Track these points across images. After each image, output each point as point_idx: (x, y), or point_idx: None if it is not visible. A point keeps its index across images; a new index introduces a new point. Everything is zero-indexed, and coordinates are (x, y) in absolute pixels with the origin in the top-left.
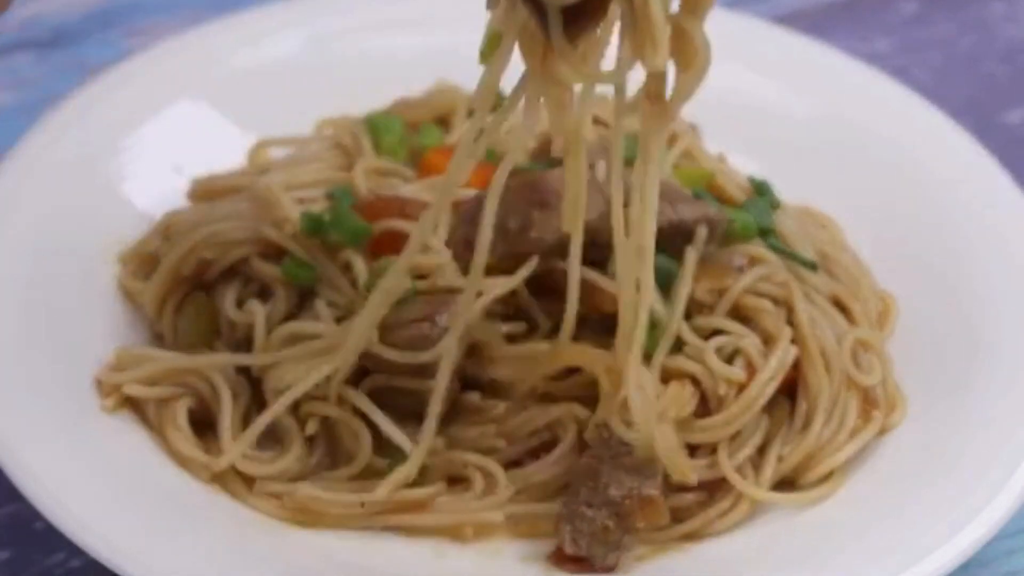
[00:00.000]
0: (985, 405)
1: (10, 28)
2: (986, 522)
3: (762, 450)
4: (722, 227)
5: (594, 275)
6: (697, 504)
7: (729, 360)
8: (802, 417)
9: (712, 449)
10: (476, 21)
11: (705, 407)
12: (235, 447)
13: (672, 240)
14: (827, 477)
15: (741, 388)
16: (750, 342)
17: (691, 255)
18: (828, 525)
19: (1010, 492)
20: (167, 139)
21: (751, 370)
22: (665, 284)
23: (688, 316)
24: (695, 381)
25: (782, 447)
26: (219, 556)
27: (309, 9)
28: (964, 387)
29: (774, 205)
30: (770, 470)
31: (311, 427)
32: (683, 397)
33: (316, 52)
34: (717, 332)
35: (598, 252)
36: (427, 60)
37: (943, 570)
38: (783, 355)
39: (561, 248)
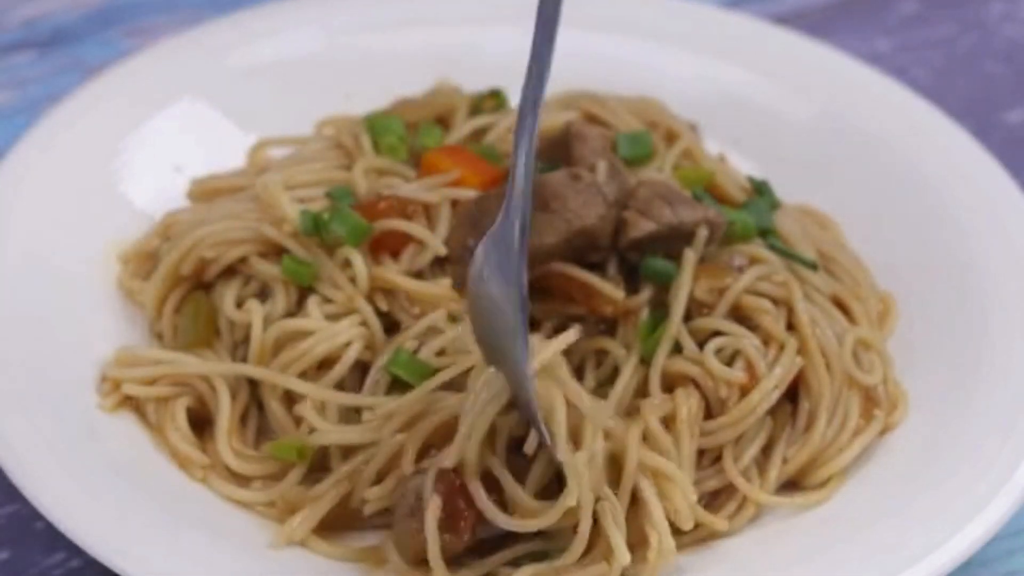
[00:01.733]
0: (985, 406)
1: (10, 28)
2: (986, 522)
3: (766, 451)
4: (722, 229)
5: (593, 278)
6: (704, 507)
7: (729, 361)
8: (804, 418)
9: (716, 455)
10: (476, 21)
11: (706, 409)
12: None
13: (672, 242)
14: (828, 479)
15: (742, 389)
16: (749, 343)
17: (690, 257)
18: (829, 525)
19: (1010, 492)
20: (167, 139)
21: (751, 371)
22: (665, 286)
23: (688, 317)
24: (695, 384)
25: (786, 449)
26: (217, 556)
27: (309, 9)
28: (964, 388)
29: (774, 205)
30: (775, 472)
31: (305, 428)
32: (692, 401)
33: (316, 52)
34: (717, 333)
35: (597, 255)
36: (427, 60)
37: (943, 570)
38: (788, 362)
39: (560, 249)
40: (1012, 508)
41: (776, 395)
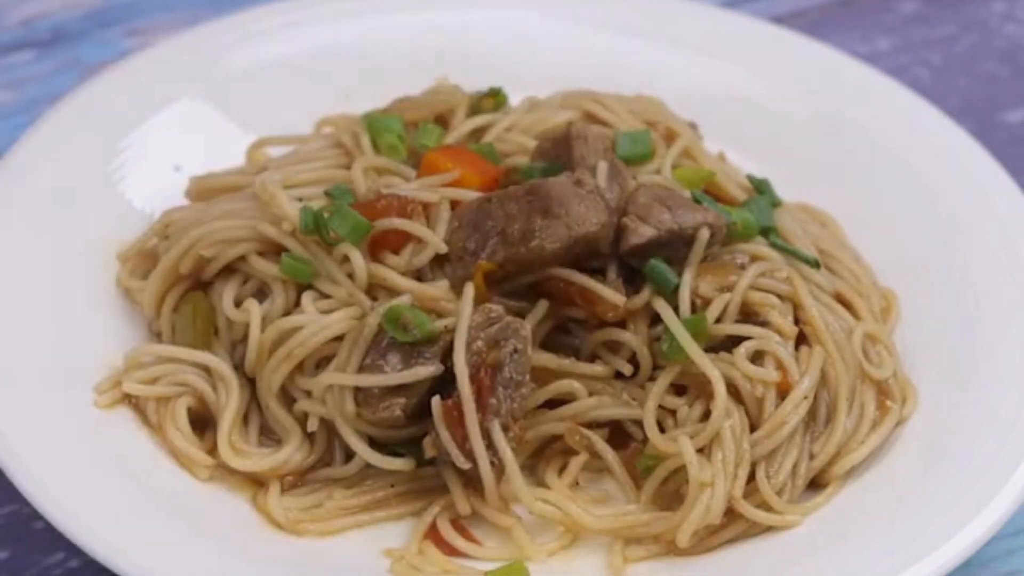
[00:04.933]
0: (985, 405)
1: (9, 28)
2: (986, 522)
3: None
4: (722, 231)
5: (593, 283)
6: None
7: (752, 361)
8: (825, 409)
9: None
10: (477, 21)
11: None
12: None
13: (673, 246)
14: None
15: (778, 388)
16: (775, 342)
17: (693, 260)
18: (828, 525)
19: (1010, 492)
20: (167, 139)
21: (782, 370)
22: (669, 290)
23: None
24: (736, 390)
25: (812, 443)
26: (218, 556)
27: (309, 9)
28: (963, 387)
29: (774, 203)
30: (804, 466)
31: (312, 424)
32: (742, 420)
33: (316, 52)
34: (731, 337)
35: (599, 260)
36: (426, 59)
37: (943, 570)
38: (816, 368)
39: (561, 255)
40: (1012, 508)
41: (806, 406)
